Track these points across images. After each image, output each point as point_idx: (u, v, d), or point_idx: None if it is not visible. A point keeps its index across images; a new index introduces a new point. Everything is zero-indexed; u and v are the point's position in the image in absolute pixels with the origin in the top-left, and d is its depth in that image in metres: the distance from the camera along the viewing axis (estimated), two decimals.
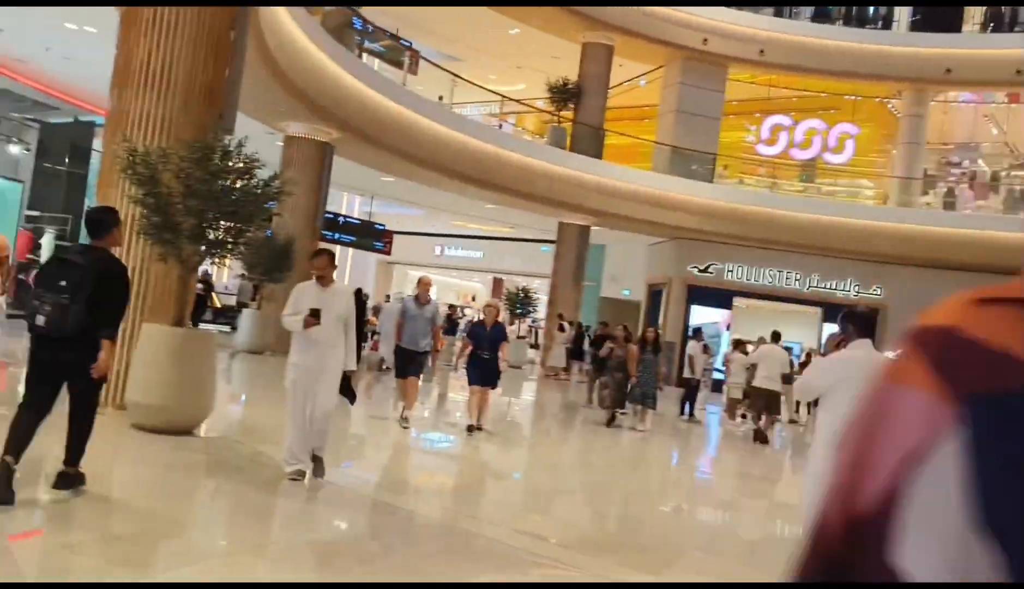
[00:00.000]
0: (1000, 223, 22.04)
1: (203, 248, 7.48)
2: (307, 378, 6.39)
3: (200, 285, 12.99)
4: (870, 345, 5.05)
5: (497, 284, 38.48)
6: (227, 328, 20.55)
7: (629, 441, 12.12)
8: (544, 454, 11.13)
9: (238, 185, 7.44)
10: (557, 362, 21.77)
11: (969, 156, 26.00)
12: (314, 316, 6.21)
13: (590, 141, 22.78)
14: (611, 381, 13.29)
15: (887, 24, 24.53)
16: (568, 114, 23.38)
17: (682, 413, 15.56)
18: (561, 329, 21.88)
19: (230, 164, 7.39)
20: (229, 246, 7.62)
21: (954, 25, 23.57)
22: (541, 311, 27.77)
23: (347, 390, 8.99)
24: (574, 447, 12.02)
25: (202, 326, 13.61)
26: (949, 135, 26.66)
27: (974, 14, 23.92)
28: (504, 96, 25.20)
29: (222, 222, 7.42)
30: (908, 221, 22.35)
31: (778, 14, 24.58)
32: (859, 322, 5.19)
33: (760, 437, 13.30)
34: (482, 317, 11.03)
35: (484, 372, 10.35)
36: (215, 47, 8.71)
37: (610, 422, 12.92)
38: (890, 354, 0.70)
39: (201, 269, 11.24)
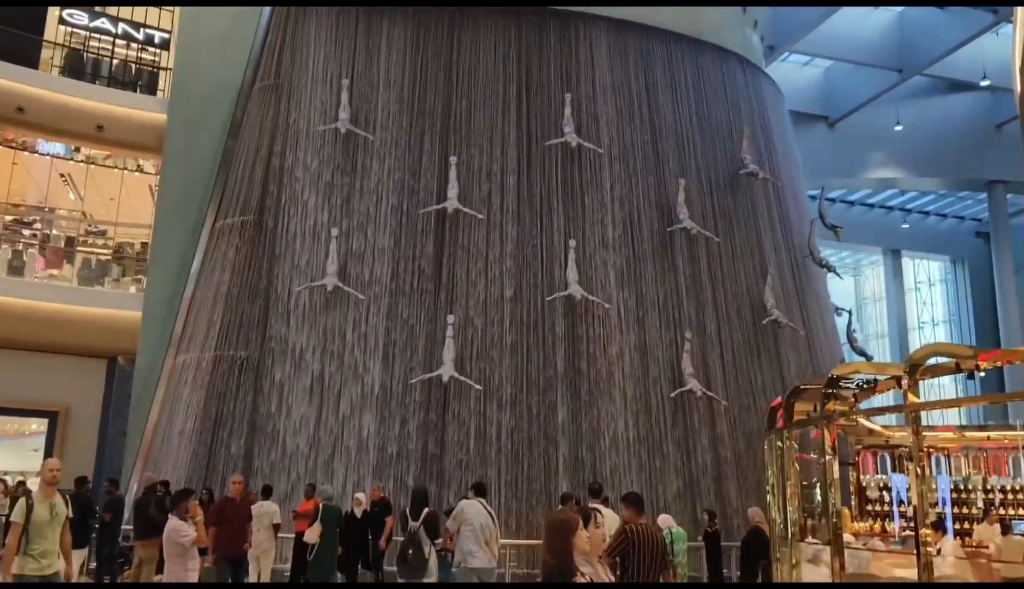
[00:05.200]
0: (76, 295, 18.86)
1: None
2: None
3: None
4: None
5: None
6: None
7: None
8: None
9: None
10: None
11: (43, 218, 22.26)
12: None
13: None
14: None
15: None
16: None
17: None
18: None
19: None
20: None
21: (31, 60, 19.91)
22: None
23: None
24: None
25: None
26: (22, 192, 22.59)
27: (55, 55, 20.75)
28: None
29: None
30: None
31: None
32: None
33: None
34: None
35: None
36: None
37: None
38: None
39: None
